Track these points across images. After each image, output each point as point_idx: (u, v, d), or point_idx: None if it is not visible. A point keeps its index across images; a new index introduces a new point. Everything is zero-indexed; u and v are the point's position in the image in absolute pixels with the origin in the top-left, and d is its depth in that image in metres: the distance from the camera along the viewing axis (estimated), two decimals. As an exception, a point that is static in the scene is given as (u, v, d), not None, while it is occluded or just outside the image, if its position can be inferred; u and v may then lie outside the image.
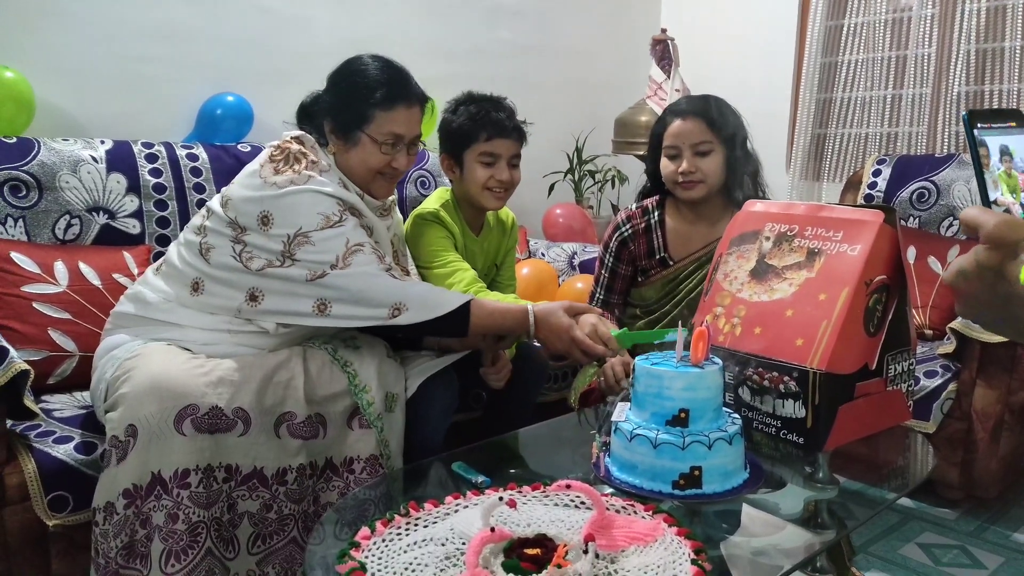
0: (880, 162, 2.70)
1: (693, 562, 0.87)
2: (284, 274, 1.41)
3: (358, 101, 1.50)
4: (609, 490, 1.12)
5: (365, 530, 0.95)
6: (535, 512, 0.99)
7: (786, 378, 1.26)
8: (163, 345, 1.41)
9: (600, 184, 3.26)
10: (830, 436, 1.24)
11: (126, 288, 1.77)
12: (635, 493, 1.08)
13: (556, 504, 1.03)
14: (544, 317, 1.46)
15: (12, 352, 1.27)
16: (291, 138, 1.52)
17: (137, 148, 2.02)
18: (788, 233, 1.37)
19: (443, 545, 0.92)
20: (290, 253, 1.41)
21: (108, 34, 2.19)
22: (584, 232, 2.86)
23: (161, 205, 2.01)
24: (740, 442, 1.12)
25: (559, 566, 0.81)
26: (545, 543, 0.88)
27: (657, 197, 1.90)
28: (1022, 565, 1.82)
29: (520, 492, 1.07)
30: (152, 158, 2.03)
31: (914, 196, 2.56)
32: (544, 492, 1.06)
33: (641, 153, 3.15)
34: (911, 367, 1.36)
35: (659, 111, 3.01)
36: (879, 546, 1.91)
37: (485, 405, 1.85)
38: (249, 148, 2.20)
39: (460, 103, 1.79)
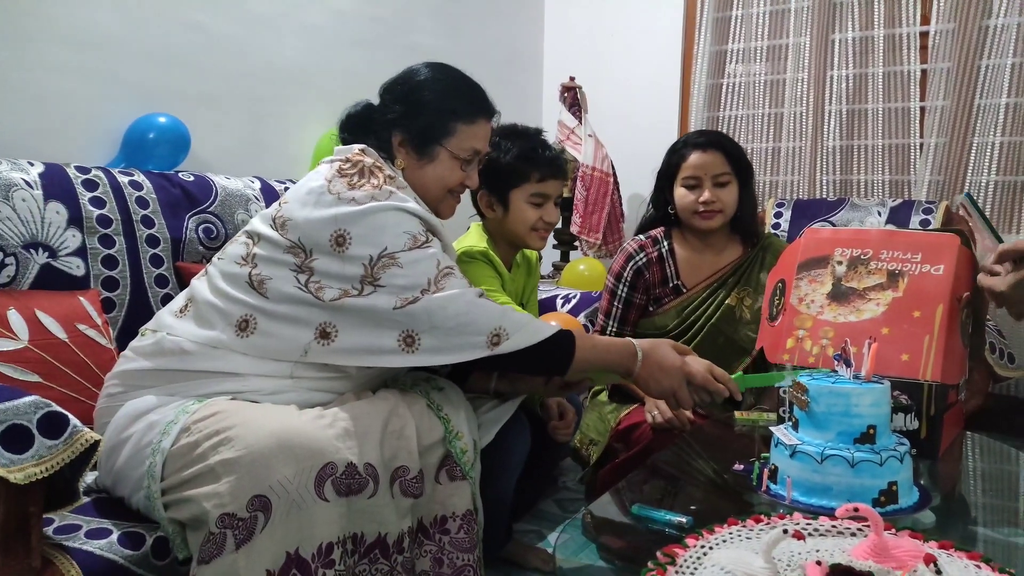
0: (779, 204, 2.98)
1: (1001, 570, 0.86)
2: (365, 304, 1.21)
3: (439, 112, 1.37)
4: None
5: (650, 587, 0.83)
6: (809, 543, 0.93)
7: (896, 392, 1.32)
8: (228, 400, 1.15)
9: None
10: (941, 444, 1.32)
11: (94, 340, 1.45)
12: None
13: (820, 533, 0.97)
14: (651, 351, 1.35)
15: (74, 420, 0.95)
16: (359, 150, 1.34)
17: (71, 173, 1.66)
18: (862, 257, 1.45)
19: (736, 590, 0.83)
20: (373, 278, 1.22)
21: (14, 34, 1.80)
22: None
23: (107, 241, 1.66)
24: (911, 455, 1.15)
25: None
26: (854, 573, 0.83)
27: (662, 228, 1.93)
28: None
29: (789, 521, 0.99)
30: (91, 185, 1.67)
31: (815, 235, 2.85)
32: (818, 521, 1.00)
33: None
34: (964, 381, 1.49)
35: (576, 154, 3.12)
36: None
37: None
38: (193, 178, 1.90)
39: (502, 137, 1.67)
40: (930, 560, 0.81)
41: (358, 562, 1.08)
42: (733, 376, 1.35)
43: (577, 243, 3.23)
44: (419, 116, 1.37)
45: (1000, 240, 1.25)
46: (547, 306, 2.50)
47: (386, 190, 1.28)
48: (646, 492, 1.24)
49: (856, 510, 0.89)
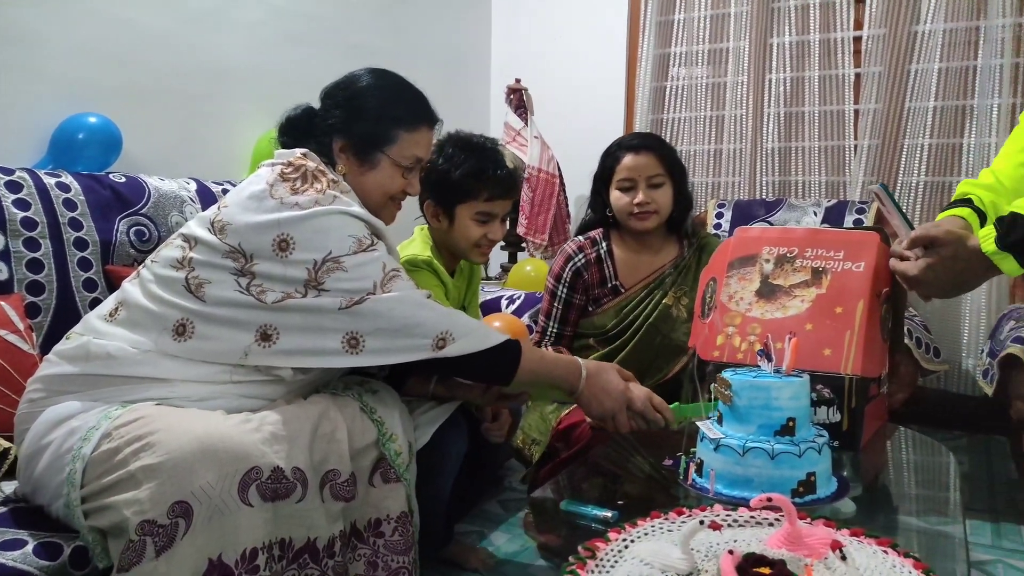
0: (720, 206, 3.04)
1: (906, 555, 0.90)
2: (309, 305, 1.20)
3: (381, 120, 1.36)
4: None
5: (570, 580, 0.85)
6: (725, 534, 0.96)
7: (819, 386, 1.36)
8: (154, 405, 1.13)
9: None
10: (863, 436, 1.37)
11: (15, 346, 1.42)
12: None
13: (739, 524, 1.00)
14: (596, 373, 1.38)
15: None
16: (301, 154, 1.32)
17: (-7, 174, 1.61)
18: (788, 255, 1.49)
19: (655, 581, 0.85)
20: (317, 282, 1.21)
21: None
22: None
23: (32, 244, 1.61)
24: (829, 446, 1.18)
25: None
26: (767, 562, 0.85)
27: (601, 229, 1.95)
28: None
29: (698, 514, 1.02)
30: (14, 187, 1.63)
31: (755, 235, 2.91)
32: (737, 512, 1.02)
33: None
34: (886, 374, 1.54)
35: (522, 155, 3.13)
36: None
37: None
38: (124, 179, 1.86)
39: (456, 148, 1.65)
40: (837, 546, 0.83)
41: (286, 567, 1.06)
42: (671, 406, 1.40)
43: (524, 244, 3.24)
44: (360, 123, 1.36)
45: (911, 227, 1.32)
46: (492, 307, 2.51)
47: (330, 195, 1.27)
48: (579, 488, 1.26)
49: (770, 500, 0.92)
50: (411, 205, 1.73)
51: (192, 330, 1.20)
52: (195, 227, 1.28)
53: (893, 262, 1.30)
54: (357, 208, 1.29)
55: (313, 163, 1.32)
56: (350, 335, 1.22)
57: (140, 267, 1.32)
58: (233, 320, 1.20)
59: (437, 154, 1.66)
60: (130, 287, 1.28)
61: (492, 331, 1.32)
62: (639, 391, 1.41)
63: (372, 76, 1.42)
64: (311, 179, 1.28)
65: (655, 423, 1.39)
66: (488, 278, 3.30)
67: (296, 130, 1.41)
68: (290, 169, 1.29)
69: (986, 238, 1.17)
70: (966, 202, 1.30)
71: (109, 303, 1.29)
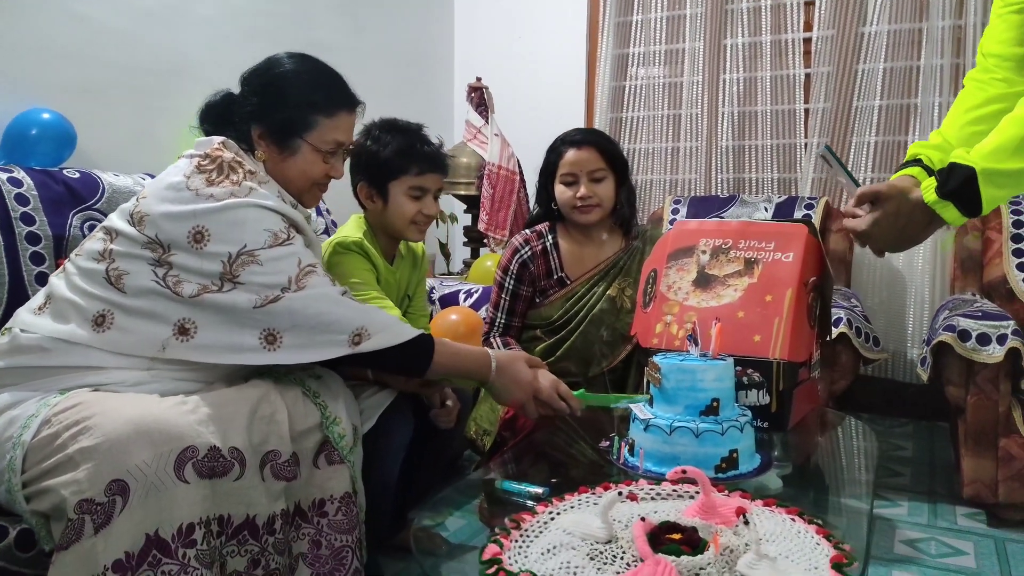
0: (676, 202, 3.12)
1: (810, 522, 0.96)
2: (225, 301, 1.22)
3: (298, 106, 1.37)
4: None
5: (493, 547, 0.89)
6: (645, 505, 1.01)
7: (750, 370, 1.43)
8: (91, 391, 1.15)
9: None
10: (791, 417, 1.43)
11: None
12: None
13: (655, 497, 1.05)
14: (506, 365, 1.42)
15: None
16: (219, 144, 1.34)
17: (-57, 168, 1.62)
18: (723, 246, 1.56)
19: (575, 549, 0.90)
20: (232, 275, 1.23)
21: None
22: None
23: (-18, 238, 1.62)
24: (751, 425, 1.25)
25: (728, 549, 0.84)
26: (680, 529, 0.91)
27: (547, 223, 2.00)
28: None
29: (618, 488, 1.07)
30: (-36, 181, 1.64)
31: (709, 230, 2.99)
32: (660, 486, 1.07)
33: (462, 192, 3.28)
34: (819, 359, 1.61)
35: (482, 153, 3.18)
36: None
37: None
38: (78, 174, 1.87)
39: (383, 131, 1.70)
40: (740, 512, 0.89)
41: (225, 543, 1.10)
42: (576, 392, 1.46)
43: (486, 240, 3.29)
44: (277, 109, 1.37)
45: (858, 185, 1.34)
46: (450, 300, 2.56)
47: (246, 186, 1.29)
48: (523, 470, 1.31)
49: (684, 473, 0.98)
50: (350, 199, 1.78)
51: (111, 321, 1.21)
52: (116, 219, 1.30)
53: (845, 221, 1.32)
54: (273, 201, 1.31)
55: (230, 153, 1.33)
56: (267, 331, 1.24)
57: (66, 261, 1.33)
58: (151, 313, 1.22)
59: (365, 137, 1.71)
60: (56, 281, 1.29)
61: (406, 327, 1.36)
62: (546, 380, 1.46)
63: (290, 61, 1.42)
64: (227, 170, 1.29)
65: (560, 411, 1.44)
66: (450, 273, 3.35)
67: (216, 117, 1.41)
68: (207, 161, 1.31)
69: (927, 188, 1.19)
70: (916, 162, 1.31)
71: (39, 297, 1.30)
